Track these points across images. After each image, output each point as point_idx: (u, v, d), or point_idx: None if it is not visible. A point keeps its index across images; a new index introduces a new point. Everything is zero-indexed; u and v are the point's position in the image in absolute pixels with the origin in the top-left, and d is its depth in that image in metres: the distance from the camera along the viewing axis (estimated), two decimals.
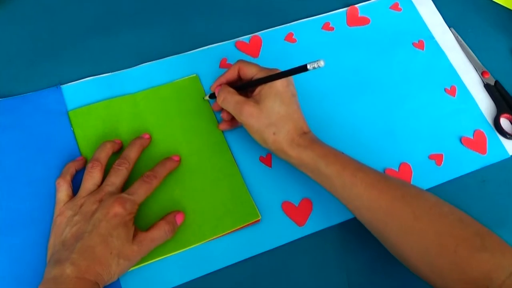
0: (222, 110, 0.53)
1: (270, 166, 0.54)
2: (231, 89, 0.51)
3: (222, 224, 0.51)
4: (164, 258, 0.49)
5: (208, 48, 0.61)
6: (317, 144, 0.48)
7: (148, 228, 0.47)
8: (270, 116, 0.48)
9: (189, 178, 0.53)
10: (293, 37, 0.63)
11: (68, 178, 0.49)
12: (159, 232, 0.47)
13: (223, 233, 0.50)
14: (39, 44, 0.59)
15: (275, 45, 0.62)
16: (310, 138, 0.49)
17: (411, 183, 0.55)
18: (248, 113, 0.48)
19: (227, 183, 0.53)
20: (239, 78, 0.53)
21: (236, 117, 0.50)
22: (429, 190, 0.55)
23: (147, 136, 0.53)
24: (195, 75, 0.59)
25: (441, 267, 0.41)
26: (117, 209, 0.45)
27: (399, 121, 0.59)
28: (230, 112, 0.51)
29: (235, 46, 0.61)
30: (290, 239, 0.51)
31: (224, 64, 0.60)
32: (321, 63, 0.42)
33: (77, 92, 0.56)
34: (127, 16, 0.62)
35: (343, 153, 0.48)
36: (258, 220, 0.51)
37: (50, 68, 0.58)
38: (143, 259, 0.47)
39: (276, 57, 0.61)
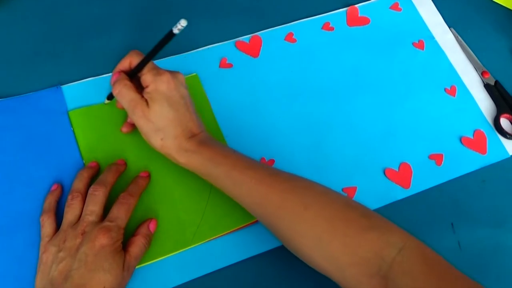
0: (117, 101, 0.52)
1: None
2: (128, 82, 0.49)
3: (222, 224, 0.50)
4: (164, 258, 0.49)
5: (208, 48, 0.61)
6: (205, 146, 0.47)
7: (126, 245, 0.46)
8: (158, 120, 0.47)
9: (189, 178, 0.52)
10: (293, 37, 0.63)
11: (51, 213, 0.48)
12: (140, 249, 0.46)
13: (223, 233, 0.50)
14: (39, 44, 0.59)
15: (275, 45, 0.62)
16: (198, 140, 0.47)
17: (411, 183, 0.55)
18: (140, 113, 0.47)
19: None
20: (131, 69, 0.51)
21: (129, 114, 0.49)
22: (429, 190, 0.55)
23: (122, 162, 0.52)
24: (195, 74, 0.59)
25: (333, 252, 0.41)
26: (103, 240, 0.43)
27: (399, 121, 0.59)
28: (124, 107, 0.49)
29: (235, 46, 0.61)
30: None
31: (224, 64, 0.60)
32: (183, 23, 0.41)
33: (78, 93, 0.56)
34: (127, 16, 0.62)
35: (234, 151, 0.48)
36: (258, 220, 0.51)
37: (50, 68, 0.58)
38: (143, 259, 0.48)
39: (276, 57, 0.61)
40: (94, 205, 0.46)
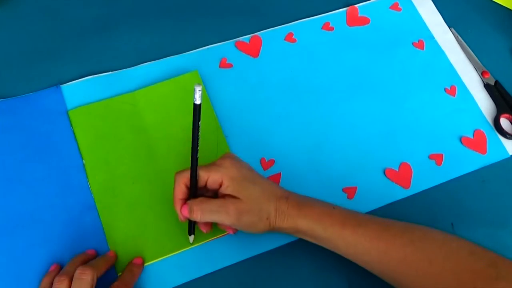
0: (203, 224, 0.49)
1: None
2: (197, 201, 0.45)
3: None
4: (164, 258, 0.49)
5: (208, 48, 0.61)
6: (305, 206, 0.46)
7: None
8: (255, 203, 0.45)
9: None
10: (293, 37, 0.63)
11: None
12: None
13: (223, 234, 0.50)
14: (39, 44, 0.59)
15: (275, 45, 0.62)
16: (295, 202, 0.46)
17: (411, 183, 0.55)
18: (236, 210, 0.44)
19: None
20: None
21: (230, 223, 0.45)
22: (429, 190, 0.55)
23: (112, 253, 0.48)
24: (195, 70, 0.59)
25: None
26: None
27: (399, 121, 0.59)
28: (220, 222, 0.46)
29: (235, 46, 0.61)
30: (290, 240, 0.51)
31: (224, 64, 0.60)
32: (198, 89, 0.40)
33: (77, 92, 0.56)
34: (127, 16, 0.62)
35: (334, 206, 0.46)
36: None
37: (50, 68, 0.58)
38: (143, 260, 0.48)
39: (276, 57, 0.61)
40: None
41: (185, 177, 0.45)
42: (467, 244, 0.43)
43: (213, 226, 0.50)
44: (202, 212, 0.45)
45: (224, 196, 0.45)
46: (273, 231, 0.46)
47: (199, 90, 0.41)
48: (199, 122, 0.43)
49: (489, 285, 0.40)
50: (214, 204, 0.45)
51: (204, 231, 0.49)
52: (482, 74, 0.62)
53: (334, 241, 0.45)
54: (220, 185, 0.45)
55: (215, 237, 0.50)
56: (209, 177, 0.45)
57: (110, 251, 0.49)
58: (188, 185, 0.45)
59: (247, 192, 0.45)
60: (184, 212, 0.45)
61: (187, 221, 0.48)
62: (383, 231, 0.44)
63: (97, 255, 0.49)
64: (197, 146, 0.44)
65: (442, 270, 0.41)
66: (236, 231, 0.49)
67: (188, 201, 0.45)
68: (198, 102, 0.41)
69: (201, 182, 0.45)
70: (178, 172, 0.46)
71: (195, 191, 0.46)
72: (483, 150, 0.57)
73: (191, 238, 0.49)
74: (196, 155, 0.44)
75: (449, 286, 0.41)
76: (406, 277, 0.43)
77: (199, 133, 0.44)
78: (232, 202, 0.44)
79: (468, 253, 0.42)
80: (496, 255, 0.42)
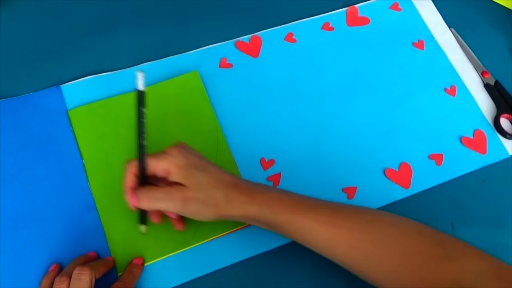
0: (153, 215, 0.49)
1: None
2: (145, 188, 0.45)
3: (222, 224, 0.50)
4: (164, 258, 0.49)
5: (208, 48, 0.61)
6: (256, 192, 0.45)
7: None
8: (202, 190, 0.44)
9: None
10: (293, 37, 0.63)
11: None
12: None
13: (223, 233, 0.50)
14: (39, 44, 0.59)
15: (275, 45, 0.62)
16: (246, 189, 0.45)
17: (411, 183, 0.55)
18: (183, 197, 0.43)
19: None
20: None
21: (176, 210, 0.44)
22: (429, 190, 0.55)
23: (111, 259, 0.48)
24: (195, 71, 0.59)
25: (413, 285, 0.40)
26: None
27: (399, 121, 0.59)
28: (167, 209, 0.45)
29: (235, 46, 0.61)
30: (290, 240, 0.50)
31: (224, 64, 0.60)
32: (140, 75, 0.40)
33: (77, 91, 0.56)
34: (127, 16, 0.62)
35: (285, 191, 0.46)
36: None
37: (50, 68, 0.58)
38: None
39: (276, 57, 0.61)
40: None
41: (134, 166, 0.45)
42: (415, 225, 0.43)
43: (211, 226, 0.50)
44: (149, 199, 0.44)
45: (172, 184, 0.45)
46: (223, 218, 0.45)
47: (142, 77, 0.41)
48: (144, 109, 0.43)
49: (437, 265, 0.40)
50: (161, 191, 0.44)
51: (155, 221, 0.49)
52: (482, 74, 0.62)
53: (285, 226, 0.44)
54: (169, 174, 0.45)
55: (215, 237, 0.50)
56: (157, 166, 0.45)
57: (110, 256, 0.49)
58: (137, 174, 0.45)
59: (193, 179, 0.44)
60: (132, 201, 0.45)
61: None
62: (333, 215, 0.44)
63: (98, 257, 0.48)
64: (143, 133, 0.44)
65: (389, 251, 0.42)
66: (183, 226, 0.49)
67: (136, 190, 0.45)
68: (141, 88, 0.42)
69: (149, 171, 0.45)
70: (128, 161, 0.45)
71: (144, 179, 0.45)
72: (483, 150, 0.57)
73: (143, 228, 0.49)
74: (142, 143, 0.44)
75: (397, 267, 0.41)
76: (355, 260, 0.43)
77: (143, 120, 0.44)
78: (178, 189, 0.44)
79: (416, 234, 0.42)
80: (445, 235, 0.42)
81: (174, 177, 0.44)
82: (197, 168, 0.45)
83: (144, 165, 0.44)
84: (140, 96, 0.43)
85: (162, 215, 0.49)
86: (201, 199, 0.44)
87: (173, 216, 0.48)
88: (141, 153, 0.44)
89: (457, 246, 0.41)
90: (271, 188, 0.47)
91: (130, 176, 0.45)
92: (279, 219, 0.44)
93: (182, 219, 0.49)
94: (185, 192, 0.43)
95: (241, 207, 0.44)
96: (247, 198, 0.44)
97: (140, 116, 0.43)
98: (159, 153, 0.45)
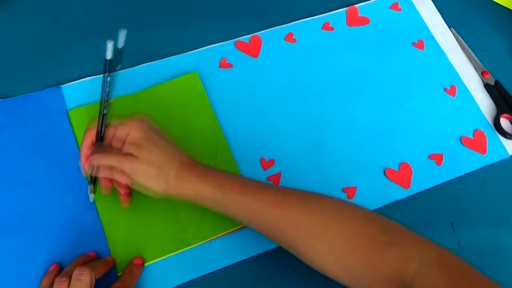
0: (102, 178, 0.49)
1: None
2: (100, 154, 0.46)
3: (222, 224, 0.50)
4: (164, 258, 0.49)
5: (208, 48, 0.61)
6: (209, 173, 0.46)
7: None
8: (154, 164, 0.44)
9: None
10: (293, 37, 0.63)
11: None
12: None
13: (223, 233, 0.50)
14: (39, 44, 0.59)
15: (275, 45, 0.62)
16: (199, 169, 0.46)
17: (411, 183, 0.55)
18: (132, 168, 0.44)
19: None
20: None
21: (118, 178, 0.45)
22: (429, 190, 0.55)
23: (111, 259, 0.48)
24: (195, 72, 0.59)
25: (356, 270, 0.41)
26: None
27: (399, 121, 0.59)
28: (115, 178, 0.46)
29: (235, 46, 0.61)
30: None
31: (224, 64, 0.60)
32: (109, 44, 0.42)
33: (77, 92, 0.56)
34: (127, 16, 0.63)
35: (239, 175, 0.46)
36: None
37: (50, 68, 0.58)
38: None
39: (276, 57, 0.61)
40: None
41: (92, 133, 0.46)
42: (360, 210, 0.44)
43: (211, 226, 0.50)
44: (99, 165, 0.46)
45: (126, 155, 0.45)
46: (173, 197, 0.46)
47: (111, 46, 0.43)
48: (108, 78, 0.44)
49: (380, 250, 0.40)
50: (113, 159, 0.45)
51: (105, 184, 0.49)
52: (482, 74, 0.62)
53: (234, 207, 0.45)
54: (123, 144, 0.45)
55: (215, 237, 0.50)
56: (115, 134, 0.46)
57: (110, 256, 0.49)
58: (94, 141, 0.46)
59: (146, 152, 0.44)
60: (84, 165, 0.46)
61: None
62: (281, 198, 0.44)
63: (98, 256, 0.48)
64: (105, 102, 0.45)
65: (334, 235, 0.42)
66: (128, 203, 0.50)
67: (91, 156, 0.46)
68: (108, 57, 0.43)
69: (106, 139, 0.46)
70: (87, 128, 0.47)
71: (102, 137, 0.47)
72: (483, 150, 0.57)
73: (91, 196, 0.50)
74: (104, 111, 0.46)
75: (341, 251, 0.41)
76: (301, 243, 0.43)
77: (107, 88, 0.45)
78: (129, 159, 0.44)
79: (361, 219, 0.43)
80: (390, 222, 0.42)
81: (129, 148, 0.45)
82: (151, 143, 0.45)
83: (102, 132, 0.46)
84: (106, 65, 0.44)
85: (113, 181, 0.49)
86: (149, 173, 0.44)
87: (121, 191, 0.49)
88: (101, 121, 0.46)
89: (402, 233, 0.42)
90: (225, 171, 0.47)
91: (86, 142, 0.46)
92: (228, 199, 0.45)
93: (129, 195, 0.50)
94: (135, 163, 0.44)
95: (192, 186, 0.45)
96: (198, 178, 0.45)
97: (104, 84, 0.45)
98: (119, 123, 0.46)
